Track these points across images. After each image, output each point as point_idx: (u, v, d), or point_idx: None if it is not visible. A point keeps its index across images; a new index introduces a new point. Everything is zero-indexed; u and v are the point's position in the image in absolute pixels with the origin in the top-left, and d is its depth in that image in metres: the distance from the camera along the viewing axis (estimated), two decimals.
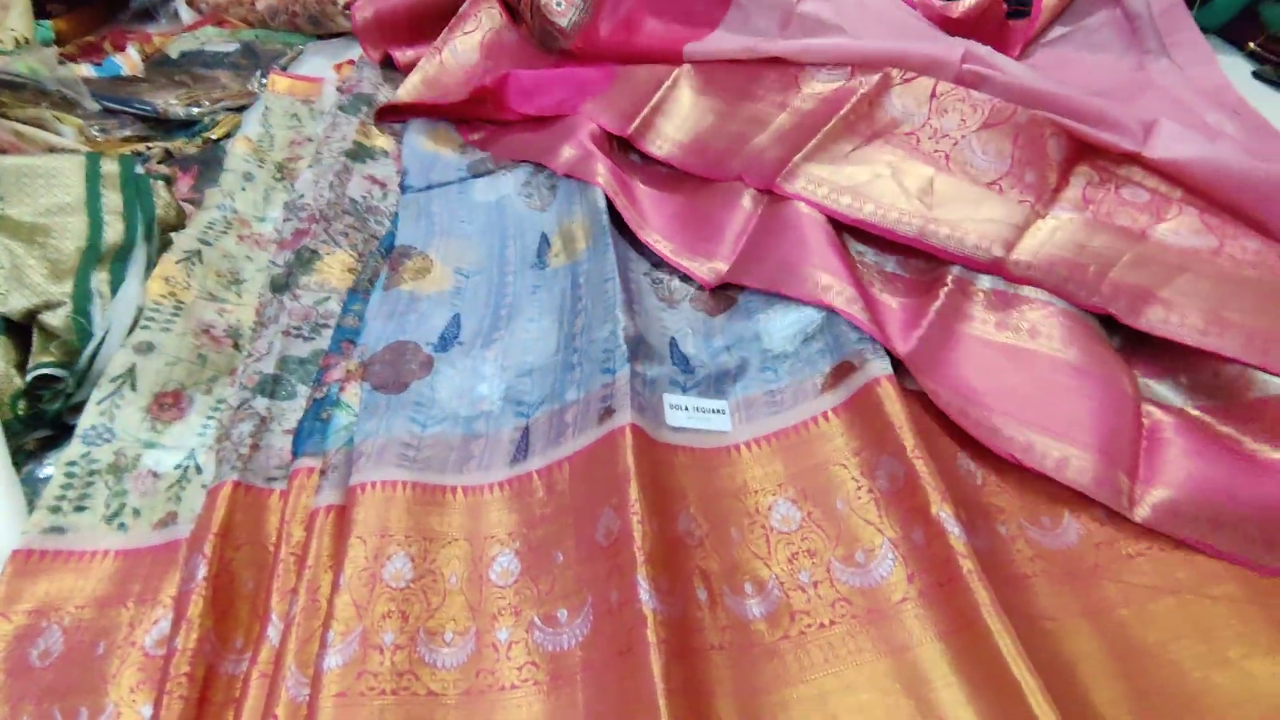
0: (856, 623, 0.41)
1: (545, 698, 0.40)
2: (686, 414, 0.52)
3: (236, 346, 0.62)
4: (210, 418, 0.57)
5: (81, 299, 0.59)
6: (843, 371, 0.51)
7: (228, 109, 1.01)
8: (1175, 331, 0.50)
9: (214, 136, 0.95)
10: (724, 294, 0.62)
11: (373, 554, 0.44)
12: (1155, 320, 0.51)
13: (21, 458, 0.55)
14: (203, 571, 0.44)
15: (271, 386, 0.56)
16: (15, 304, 0.57)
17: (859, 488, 0.46)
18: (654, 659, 0.37)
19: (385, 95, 0.98)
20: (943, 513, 0.41)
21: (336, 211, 0.73)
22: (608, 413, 0.48)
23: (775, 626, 0.42)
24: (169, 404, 0.56)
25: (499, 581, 0.45)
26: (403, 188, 0.78)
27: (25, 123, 0.72)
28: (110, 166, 0.68)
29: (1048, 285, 0.54)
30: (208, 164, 0.86)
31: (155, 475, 0.52)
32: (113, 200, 0.66)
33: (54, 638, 0.45)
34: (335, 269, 0.68)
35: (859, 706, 0.39)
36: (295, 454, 0.52)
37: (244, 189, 0.78)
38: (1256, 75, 0.89)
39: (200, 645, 0.42)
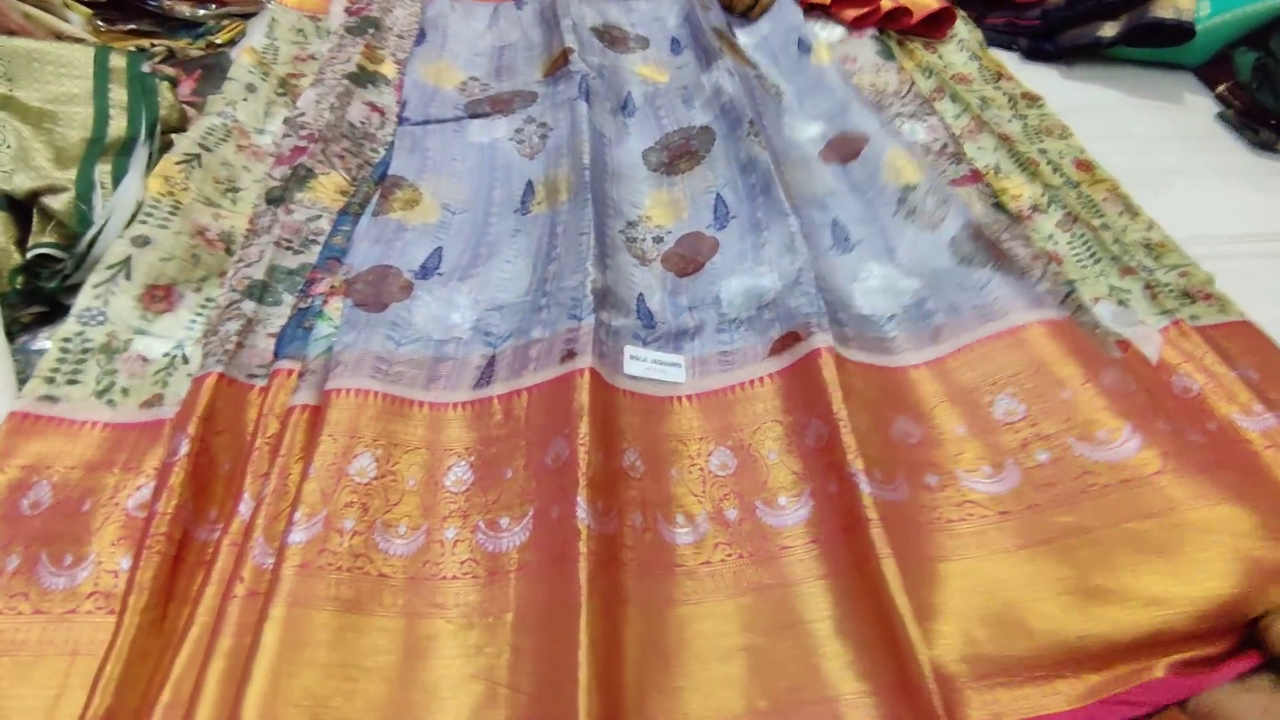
0: (752, 558, 0.47)
1: (481, 589, 0.45)
2: (644, 365, 0.56)
3: (228, 251, 0.65)
4: (198, 314, 0.60)
5: (84, 187, 0.61)
6: (789, 340, 0.55)
7: (233, 14, 1.00)
8: None
9: (218, 41, 0.94)
10: (693, 259, 0.66)
11: (341, 451, 0.48)
12: None
13: (16, 329, 0.58)
14: (185, 448, 0.48)
15: (259, 292, 0.60)
16: (20, 183, 0.59)
17: (790, 444, 0.51)
18: (582, 566, 0.42)
19: (391, 21, 0.99)
20: (855, 468, 0.46)
21: (335, 134, 0.75)
22: (569, 354, 0.52)
23: (699, 553, 0.48)
24: (160, 296, 0.59)
25: (452, 488, 0.50)
26: (400, 119, 0.81)
27: (34, 5, 0.73)
28: (118, 61, 0.69)
29: None
30: (209, 69, 0.87)
31: (144, 360, 0.56)
32: (119, 95, 0.67)
33: (43, 491, 0.48)
34: (328, 189, 0.70)
35: (748, 625, 0.44)
36: (277, 355, 0.56)
37: (246, 99, 0.79)
38: (1220, 117, 0.92)
39: (178, 511, 0.46)
